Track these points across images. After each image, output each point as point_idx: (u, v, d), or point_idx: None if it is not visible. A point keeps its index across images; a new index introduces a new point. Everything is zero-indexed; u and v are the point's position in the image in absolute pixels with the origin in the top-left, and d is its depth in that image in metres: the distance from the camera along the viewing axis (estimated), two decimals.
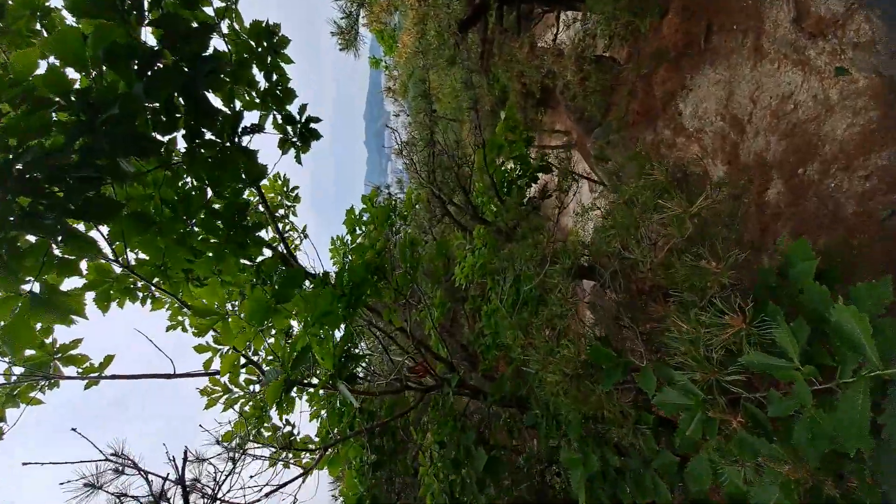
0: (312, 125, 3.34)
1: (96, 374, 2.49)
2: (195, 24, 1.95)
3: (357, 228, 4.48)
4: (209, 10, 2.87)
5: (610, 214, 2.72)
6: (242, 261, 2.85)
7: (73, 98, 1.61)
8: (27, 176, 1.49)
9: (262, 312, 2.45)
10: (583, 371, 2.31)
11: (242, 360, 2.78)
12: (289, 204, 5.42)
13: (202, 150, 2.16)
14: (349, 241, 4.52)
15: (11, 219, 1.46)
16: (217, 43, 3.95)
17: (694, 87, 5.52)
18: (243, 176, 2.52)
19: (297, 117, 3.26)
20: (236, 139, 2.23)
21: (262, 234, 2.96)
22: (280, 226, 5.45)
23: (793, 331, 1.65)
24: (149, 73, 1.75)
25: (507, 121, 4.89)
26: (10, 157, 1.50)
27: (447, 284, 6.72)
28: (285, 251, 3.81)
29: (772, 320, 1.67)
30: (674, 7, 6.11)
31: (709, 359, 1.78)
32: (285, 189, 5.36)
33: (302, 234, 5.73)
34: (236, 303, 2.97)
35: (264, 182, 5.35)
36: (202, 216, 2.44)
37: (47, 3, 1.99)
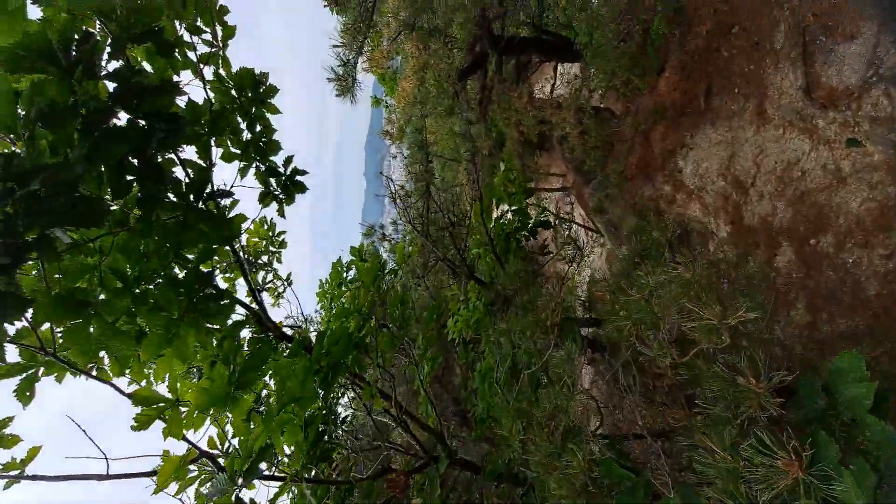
0: (298, 178, 3.10)
1: (16, 473, 2.06)
2: (164, 78, 1.72)
3: (343, 285, 4.17)
4: (192, 55, 2.69)
5: (619, 295, 2.45)
6: (209, 325, 2.51)
7: None
8: None
9: (218, 401, 2.09)
10: (594, 488, 1.95)
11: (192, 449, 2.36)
12: (274, 250, 5.12)
13: (159, 216, 1.87)
14: (332, 303, 4.19)
15: None
16: (198, 89, 3.75)
17: (694, 145, 5.47)
18: (210, 239, 2.23)
19: (282, 169, 3.03)
20: (201, 203, 1.95)
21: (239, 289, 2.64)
22: (262, 274, 5.12)
23: (855, 478, 1.33)
24: (96, 133, 1.49)
25: (506, 172, 4.73)
26: None
27: (439, 330, 6.33)
28: (259, 309, 3.46)
29: (828, 464, 1.36)
30: (671, 66, 6.20)
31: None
32: (271, 234, 5.08)
33: (286, 283, 5.40)
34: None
35: (248, 226, 5.08)
36: (158, 287, 2.12)
37: None
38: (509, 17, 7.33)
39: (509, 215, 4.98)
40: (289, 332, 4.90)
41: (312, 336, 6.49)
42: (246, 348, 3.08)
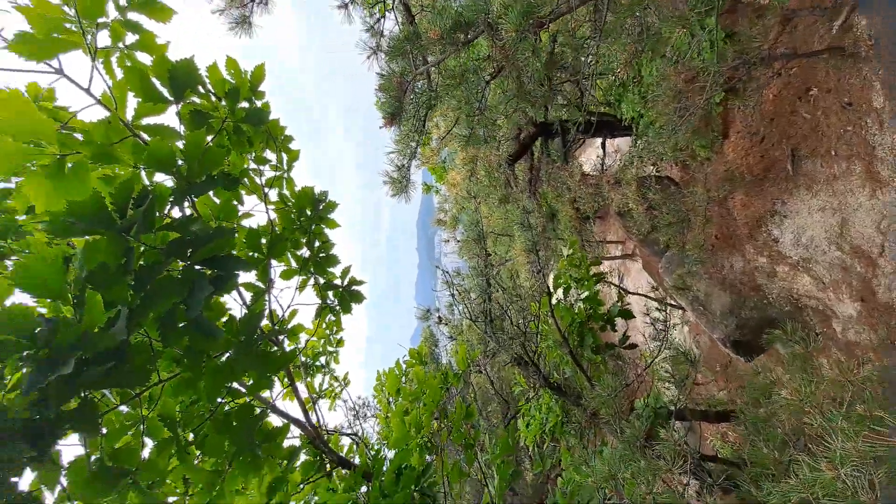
0: (355, 287, 2.96)
1: None
2: (215, 228, 1.66)
3: (400, 392, 3.79)
4: (259, 179, 2.79)
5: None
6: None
7: (37, 334, 1.21)
8: None
9: None
10: None
11: None
12: (332, 350, 4.97)
13: (209, 360, 1.70)
14: (389, 402, 3.80)
15: None
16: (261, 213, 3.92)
17: (788, 213, 4.80)
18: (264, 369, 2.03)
19: (340, 281, 2.92)
20: (252, 341, 1.78)
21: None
22: (319, 378, 4.91)
23: None
24: (148, 286, 1.38)
25: (570, 257, 4.36)
26: None
27: (511, 430, 5.55)
28: (314, 430, 3.14)
29: None
30: (734, 132, 5.81)
31: None
32: (328, 333, 4.96)
33: (343, 383, 5.13)
34: None
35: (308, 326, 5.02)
36: (207, 431, 1.90)
37: (21, 226, 1.85)
38: (551, 102, 7.54)
39: (580, 303, 4.48)
40: (345, 441, 4.49)
41: (373, 440, 5.98)
42: (301, 487, 2.72)
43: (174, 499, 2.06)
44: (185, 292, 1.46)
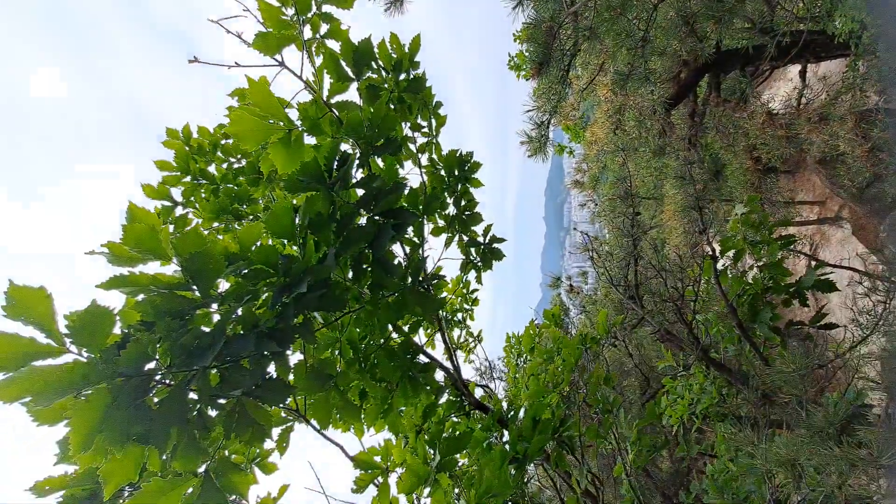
0: (496, 245, 3.09)
1: None
2: (394, 180, 1.92)
3: (535, 351, 3.88)
4: (413, 146, 3.08)
5: None
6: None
7: (279, 265, 1.64)
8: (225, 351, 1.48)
9: (417, 483, 2.06)
10: None
11: None
12: (468, 307, 5.33)
13: (385, 297, 2.05)
14: (519, 361, 3.92)
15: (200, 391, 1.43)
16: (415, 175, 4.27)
17: None
18: (420, 312, 2.34)
19: (482, 239, 3.08)
20: (417, 284, 2.05)
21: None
22: (457, 332, 5.36)
23: None
24: (345, 232, 1.72)
25: (746, 216, 3.66)
26: (224, 319, 1.54)
27: (651, 409, 5.21)
28: (456, 371, 3.50)
29: None
30: None
31: None
32: (465, 292, 5.32)
33: (477, 339, 5.51)
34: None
35: (447, 285, 5.48)
36: (379, 358, 2.32)
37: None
38: (724, 27, 6.12)
39: (755, 272, 3.77)
40: (479, 392, 4.88)
41: (500, 396, 6.34)
42: (444, 420, 3.10)
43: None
44: (371, 237, 1.76)
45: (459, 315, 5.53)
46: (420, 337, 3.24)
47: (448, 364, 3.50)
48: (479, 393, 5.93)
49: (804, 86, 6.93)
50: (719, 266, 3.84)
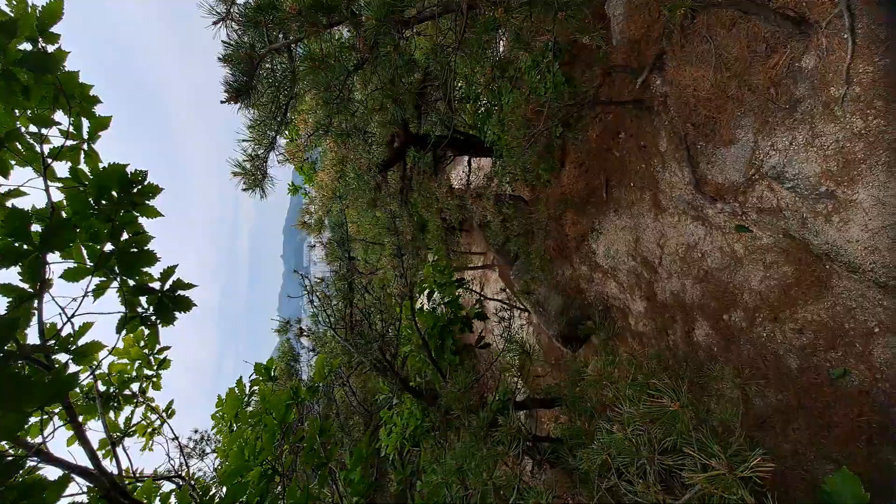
0: (181, 292, 2.46)
1: None
2: None
3: (241, 417, 3.28)
4: (42, 147, 2.12)
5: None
6: None
7: None
8: None
9: None
10: None
11: None
12: (150, 374, 4.02)
13: None
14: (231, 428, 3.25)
15: None
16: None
17: (603, 230, 5.93)
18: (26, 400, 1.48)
19: (160, 285, 2.38)
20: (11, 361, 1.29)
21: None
22: (128, 411, 3.92)
23: None
24: None
25: (435, 263, 4.51)
26: None
27: (368, 441, 5.36)
28: (111, 479, 2.46)
29: None
30: (569, 161, 6.95)
31: None
32: (147, 353, 4.02)
33: (165, 414, 4.19)
34: None
35: (118, 344, 4.00)
36: None
37: None
38: (424, 117, 7.82)
39: (441, 307, 4.66)
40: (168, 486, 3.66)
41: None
42: None
43: None
44: None
45: (136, 386, 4.10)
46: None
47: (96, 466, 2.42)
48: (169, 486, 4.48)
49: (470, 171, 9.69)
50: (421, 305, 4.56)
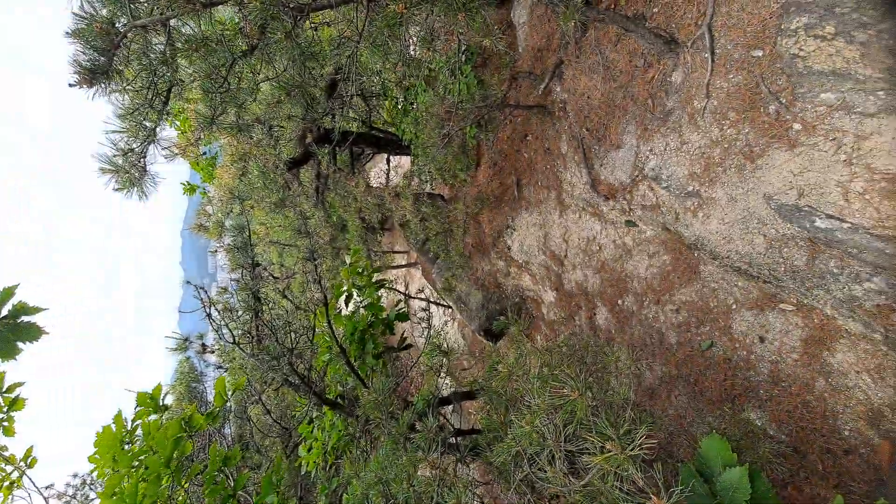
0: (26, 318, 2.00)
1: None
2: None
3: (119, 458, 2.79)
4: None
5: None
6: None
7: None
8: None
9: None
10: None
11: None
12: (2, 415, 3.23)
13: None
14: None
15: None
16: None
17: (516, 227, 6.25)
18: None
19: None
20: None
21: None
22: None
23: None
24: None
25: (353, 265, 4.33)
26: None
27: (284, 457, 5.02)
28: None
29: None
30: (484, 161, 7.19)
31: None
32: None
33: (24, 465, 3.41)
34: None
35: None
36: None
37: None
38: (340, 113, 7.48)
39: (361, 310, 4.50)
40: None
41: None
42: None
43: None
44: None
45: None
46: None
47: None
48: None
49: (389, 170, 9.53)
50: (340, 310, 4.34)
